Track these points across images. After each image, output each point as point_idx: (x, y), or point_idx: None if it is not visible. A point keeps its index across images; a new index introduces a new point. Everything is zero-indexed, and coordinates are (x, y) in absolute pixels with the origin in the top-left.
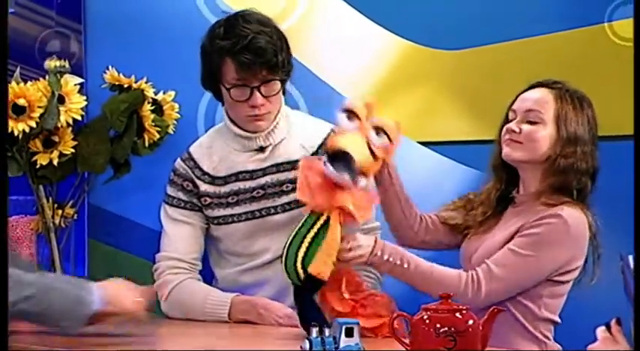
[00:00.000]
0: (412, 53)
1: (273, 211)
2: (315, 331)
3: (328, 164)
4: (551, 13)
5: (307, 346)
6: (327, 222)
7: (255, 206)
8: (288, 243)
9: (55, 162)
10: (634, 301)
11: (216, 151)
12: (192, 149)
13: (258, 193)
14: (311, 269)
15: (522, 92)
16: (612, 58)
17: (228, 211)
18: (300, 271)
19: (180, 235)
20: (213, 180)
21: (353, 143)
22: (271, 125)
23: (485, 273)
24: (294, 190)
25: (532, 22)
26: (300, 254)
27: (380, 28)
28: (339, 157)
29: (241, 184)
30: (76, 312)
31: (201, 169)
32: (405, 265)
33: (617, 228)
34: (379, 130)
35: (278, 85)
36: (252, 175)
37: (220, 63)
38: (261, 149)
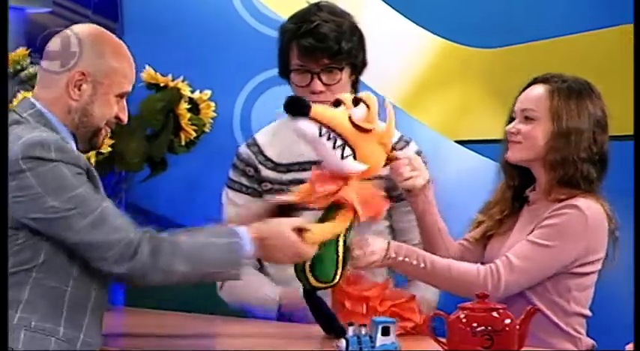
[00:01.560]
0: (449, 52)
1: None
2: (351, 329)
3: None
4: (586, 12)
5: (344, 345)
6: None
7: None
8: None
9: (93, 160)
10: (634, 300)
11: (281, 138)
12: (257, 135)
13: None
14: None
15: (522, 90)
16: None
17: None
18: (310, 277)
19: (235, 213)
20: (275, 166)
21: (330, 111)
22: None
23: (504, 265)
24: None
25: (567, 21)
26: (308, 261)
27: (417, 26)
28: (299, 106)
29: (304, 174)
30: (232, 260)
31: (264, 155)
32: (422, 265)
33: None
34: (357, 101)
35: (340, 75)
36: (313, 166)
37: (287, 47)
38: None
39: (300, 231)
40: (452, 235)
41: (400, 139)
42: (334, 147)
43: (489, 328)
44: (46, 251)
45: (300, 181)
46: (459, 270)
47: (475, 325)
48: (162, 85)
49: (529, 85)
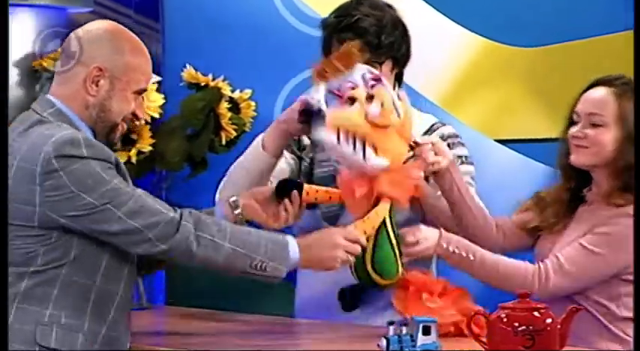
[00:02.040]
0: (489, 50)
1: None
2: (392, 329)
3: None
4: (621, 12)
5: (384, 344)
6: (384, 224)
7: None
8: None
9: (134, 159)
10: (634, 300)
11: None
12: None
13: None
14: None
15: (584, 92)
16: None
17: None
18: (374, 275)
19: (279, 169)
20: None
21: (345, 114)
22: None
23: (554, 267)
24: None
25: (604, 21)
26: (368, 258)
27: (457, 25)
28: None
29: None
30: (279, 254)
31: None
32: (472, 257)
33: None
34: (370, 96)
35: (380, 69)
36: None
37: (328, 41)
38: None
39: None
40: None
41: (435, 124)
42: (354, 149)
43: (531, 327)
44: (77, 248)
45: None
46: (508, 266)
47: (516, 324)
48: (202, 84)
49: (591, 87)
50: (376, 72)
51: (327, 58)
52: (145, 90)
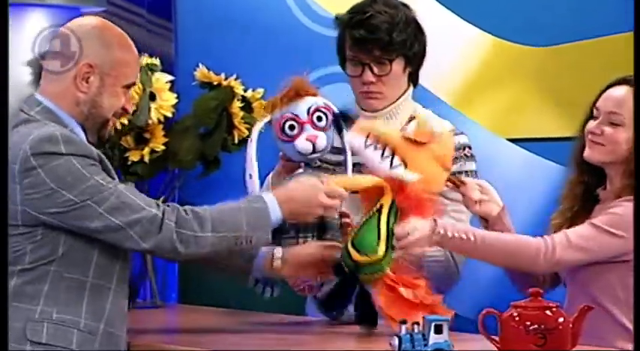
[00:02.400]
0: (501, 50)
1: None
2: (404, 328)
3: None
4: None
5: (396, 342)
6: (379, 209)
7: None
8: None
9: (147, 158)
10: (634, 300)
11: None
12: None
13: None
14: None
15: (606, 89)
16: None
17: None
18: (352, 250)
19: None
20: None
21: (379, 123)
22: (385, 109)
23: (561, 240)
24: None
25: (616, 20)
26: (350, 237)
27: (469, 24)
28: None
29: (355, 158)
30: (260, 223)
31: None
32: (472, 238)
33: None
34: (411, 118)
35: (390, 66)
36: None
37: (342, 37)
38: None
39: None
40: None
41: (452, 130)
42: (382, 156)
43: (542, 326)
44: (65, 244)
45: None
46: (511, 242)
47: (528, 323)
48: (215, 83)
49: (613, 85)
50: (330, 105)
51: (277, 96)
52: (133, 84)
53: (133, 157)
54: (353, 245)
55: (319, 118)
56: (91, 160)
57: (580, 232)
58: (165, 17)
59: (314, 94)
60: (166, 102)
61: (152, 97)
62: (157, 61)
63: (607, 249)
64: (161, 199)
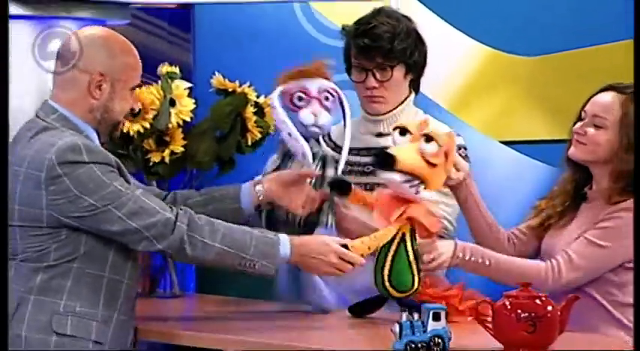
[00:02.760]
0: (493, 59)
1: (377, 187)
2: (404, 315)
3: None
4: (617, 22)
5: (397, 329)
6: (403, 238)
7: (363, 179)
8: (374, 267)
9: (167, 160)
10: (634, 299)
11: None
12: (333, 127)
13: (367, 168)
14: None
15: (595, 94)
16: None
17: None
18: (390, 289)
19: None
20: (339, 151)
21: (401, 151)
22: (389, 114)
23: (565, 262)
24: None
25: (601, 31)
26: (386, 272)
27: (464, 35)
28: (386, 162)
29: (357, 158)
30: (268, 253)
31: (333, 142)
32: (487, 263)
33: None
34: (429, 138)
35: (391, 72)
36: (368, 152)
37: (348, 46)
38: (380, 135)
39: (344, 247)
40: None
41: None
42: (410, 184)
43: (532, 314)
44: (86, 244)
45: (352, 164)
46: (521, 266)
47: (519, 311)
48: (230, 90)
49: (602, 91)
50: (335, 87)
51: (293, 70)
52: (139, 86)
53: (155, 158)
54: (390, 282)
55: (326, 98)
56: (110, 167)
57: (580, 251)
58: (184, 30)
59: (327, 78)
60: (185, 107)
61: (172, 102)
62: (176, 70)
63: (605, 263)
64: None
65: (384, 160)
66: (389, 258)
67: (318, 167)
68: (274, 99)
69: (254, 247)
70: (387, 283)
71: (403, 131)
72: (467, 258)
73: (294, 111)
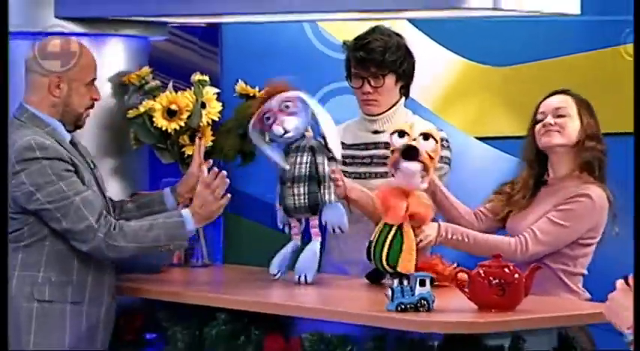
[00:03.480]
0: (470, 69)
1: (374, 175)
2: (395, 282)
3: (404, 164)
4: (579, 37)
5: (390, 293)
6: (400, 227)
7: (362, 169)
8: (373, 246)
9: None
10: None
11: (348, 127)
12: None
13: (366, 160)
14: (400, 268)
15: (544, 99)
16: (625, 71)
17: (343, 168)
18: (387, 268)
19: None
20: (345, 147)
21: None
22: (383, 114)
23: (531, 238)
24: None
25: (563, 45)
26: (384, 256)
27: (446, 50)
28: (410, 154)
29: (357, 152)
30: (177, 234)
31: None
32: (466, 240)
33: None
34: (426, 135)
35: (383, 80)
36: (366, 146)
37: (348, 58)
38: (376, 132)
39: None
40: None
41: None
42: (421, 177)
43: (502, 280)
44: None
45: (353, 157)
46: (495, 241)
47: (491, 278)
48: (251, 94)
49: (549, 96)
50: (290, 95)
51: (254, 102)
52: (95, 78)
53: (189, 151)
54: (387, 261)
55: (286, 107)
56: (63, 163)
57: (544, 228)
58: (213, 44)
59: (283, 90)
60: (214, 109)
61: (203, 105)
62: (206, 78)
63: (565, 239)
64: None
65: (411, 151)
66: (387, 242)
67: (308, 157)
68: (250, 133)
69: (163, 236)
70: (384, 262)
71: (402, 134)
72: (449, 236)
73: (267, 130)
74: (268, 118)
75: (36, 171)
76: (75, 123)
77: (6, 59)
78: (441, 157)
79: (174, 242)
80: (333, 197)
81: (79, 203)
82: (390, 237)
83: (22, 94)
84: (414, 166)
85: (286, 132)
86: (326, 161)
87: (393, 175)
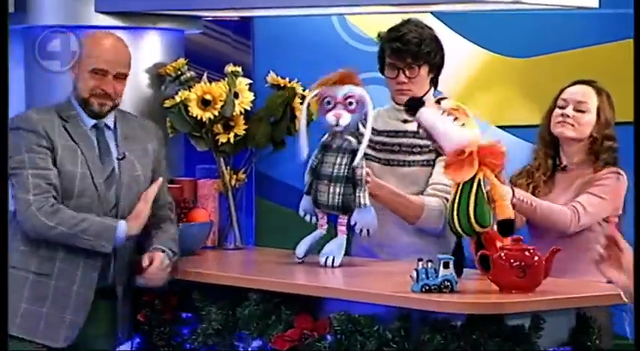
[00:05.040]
0: (492, 60)
1: (402, 163)
2: (420, 264)
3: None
4: (596, 29)
5: (415, 275)
6: (479, 182)
7: (391, 156)
8: (456, 208)
9: (232, 140)
10: (634, 300)
11: (379, 114)
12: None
13: (395, 148)
14: (501, 216)
15: (568, 87)
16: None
17: (374, 153)
18: (476, 226)
19: None
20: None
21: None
22: None
23: (581, 210)
24: (420, 153)
25: (581, 37)
26: (471, 213)
27: (469, 42)
28: (412, 104)
29: (387, 139)
30: (105, 237)
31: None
32: (533, 205)
33: None
34: (439, 99)
35: (418, 71)
36: (396, 134)
37: (382, 49)
38: (406, 121)
39: None
40: None
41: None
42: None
43: (523, 263)
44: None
45: (383, 143)
46: (556, 211)
47: (512, 261)
48: (282, 85)
49: (573, 84)
50: (358, 93)
51: (326, 77)
52: (102, 70)
53: (222, 139)
54: (475, 219)
55: (350, 103)
56: (36, 137)
57: (589, 201)
58: (245, 37)
59: (356, 84)
60: (246, 99)
61: (236, 95)
62: (239, 69)
63: (604, 211)
64: (242, 170)
65: (414, 102)
66: (472, 199)
67: (348, 159)
68: (304, 105)
69: (91, 231)
70: (472, 220)
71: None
72: (520, 199)
73: (323, 114)
74: (329, 103)
75: (13, 138)
76: (85, 107)
77: (6, 59)
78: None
79: (99, 241)
80: (367, 201)
81: (29, 176)
82: (472, 195)
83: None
84: (427, 110)
85: (337, 125)
86: (364, 164)
87: (440, 148)
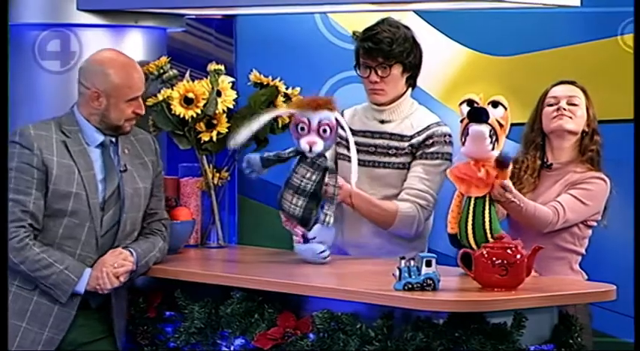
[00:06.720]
0: (475, 59)
1: (377, 165)
2: (403, 262)
3: (473, 127)
4: (579, 27)
5: (397, 273)
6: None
7: (366, 157)
8: (470, 223)
9: (215, 139)
10: (634, 300)
11: (357, 113)
12: (346, 111)
13: (371, 149)
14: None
15: (554, 86)
16: (623, 62)
17: (348, 153)
18: (490, 238)
19: None
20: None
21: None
22: (390, 105)
23: (561, 210)
24: (396, 155)
25: (563, 35)
26: (487, 228)
27: (452, 41)
28: (477, 114)
29: (363, 139)
30: (61, 288)
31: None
32: (522, 204)
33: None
34: (495, 103)
35: (390, 70)
36: (372, 135)
37: (357, 48)
38: (382, 122)
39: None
40: None
41: (431, 124)
42: (491, 142)
43: (505, 261)
44: None
45: (357, 143)
46: (540, 210)
47: (494, 259)
48: (265, 83)
49: (558, 84)
50: (333, 121)
51: (303, 101)
52: (137, 96)
53: (205, 137)
54: (491, 233)
55: (324, 131)
56: (29, 156)
57: (572, 206)
58: (228, 35)
59: (331, 110)
60: (229, 97)
61: (218, 93)
62: (221, 67)
63: (584, 216)
64: (225, 168)
65: (478, 111)
66: (486, 214)
67: (318, 176)
68: (270, 115)
69: (51, 280)
70: (488, 235)
71: (470, 103)
72: (511, 198)
73: (296, 137)
74: (302, 129)
75: (10, 152)
76: (115, 131)
77: (6, 59)
78: (442, 154)
79: (55, 291)
80: (331, 220)
81: (9, 199)
82: (487, 210)
83: (30, 92)
84: (483, 127)
85: (311, 152)
86: (336, 183)
87: (463, 144)
